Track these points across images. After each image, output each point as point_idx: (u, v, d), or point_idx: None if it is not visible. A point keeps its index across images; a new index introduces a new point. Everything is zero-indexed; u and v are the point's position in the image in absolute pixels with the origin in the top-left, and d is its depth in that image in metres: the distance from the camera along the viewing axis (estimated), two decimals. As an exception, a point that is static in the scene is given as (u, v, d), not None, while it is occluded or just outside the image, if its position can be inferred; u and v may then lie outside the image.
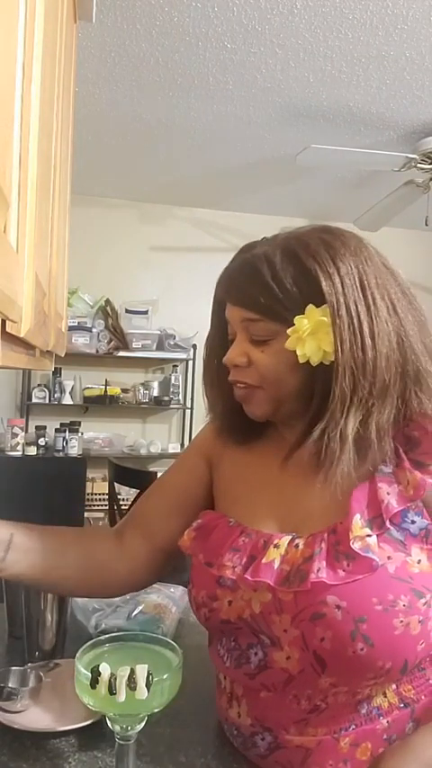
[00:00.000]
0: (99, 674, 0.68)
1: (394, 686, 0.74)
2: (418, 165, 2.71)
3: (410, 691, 0.75)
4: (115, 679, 0.67)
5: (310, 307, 0.72)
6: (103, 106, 2.69)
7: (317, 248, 0.73)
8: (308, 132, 2.84)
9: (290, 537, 0.75)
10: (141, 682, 0.67)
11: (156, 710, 0.70)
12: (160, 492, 0.96)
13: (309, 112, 2.68)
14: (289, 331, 0.72)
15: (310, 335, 0.71)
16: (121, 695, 0.67)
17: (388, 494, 0.72)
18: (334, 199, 3.81)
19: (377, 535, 0.71)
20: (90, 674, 0.68)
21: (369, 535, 0.70)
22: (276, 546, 0.74)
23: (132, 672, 0.67)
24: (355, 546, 0.69)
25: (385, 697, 0.74)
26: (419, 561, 0.71)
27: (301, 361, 0.72)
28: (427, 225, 2.94)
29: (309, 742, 0.73)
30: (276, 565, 0.73)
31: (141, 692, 0.67)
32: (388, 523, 0.71)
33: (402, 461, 0.74)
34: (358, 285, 0.72)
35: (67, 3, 1.08)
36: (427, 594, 0.70)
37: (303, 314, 0.72)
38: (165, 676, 0.69)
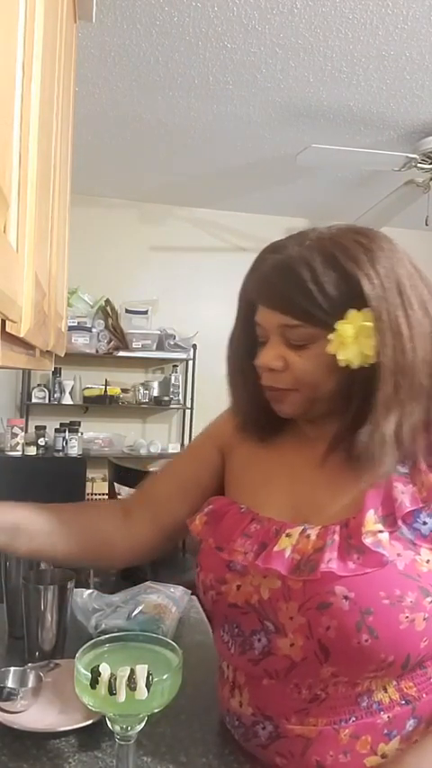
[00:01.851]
0: (99, 674, 0.68)
1: (395, 682, 0.74)
2: (418, 165, 2.71)
3: (412, 688, 0.75)
4: (115, 679, 0.67)
5: (352, 311, 0.72)
6: (103, 106, 2.69)
7: (356, 252, 0.73)
8: (308, 132, 2.84)
9: (302, 527, 0.76)
10: (141, 682, 0.67)
11: (156, 710, 0.70)
12: (171, 476, 0.98)
13: (309, 112, 2.68)
14: (331, 336, 0.72)
15: (352, 340, 0.71)
16: (121, 695, 0.67)
17: (402, 493, 0.73)
18: (334, 199, 3.81)
19: (389, 533, 0.72)
20: (90, 674, 0.68)
21: (381, 531, 0.72)
22: (288, 535, 0.76)
23: (132, 672, 0.67)
24: (367, 540, 0.71)
25: (386, 692, 0.74)
26: (428, 561, 0.72)
27: (342, 365, 0.72)
28: (427, 225, 2.94)
29: (309, 732, 0.74)
30: (287, 554, 0.74)
31: (141, 692, 0.67)
32: (400, 522, 0.72)
33: (419, 463, 0.75)
34: (396, 288, 0.73)
35: (67, 3, 1.08)
36: None
37: (344, 318, 0.72)
38: (165, 676, 0.69)
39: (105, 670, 0.68)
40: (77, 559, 0.94)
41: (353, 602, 0.70)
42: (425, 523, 0.74)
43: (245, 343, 0.84)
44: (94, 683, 0.68)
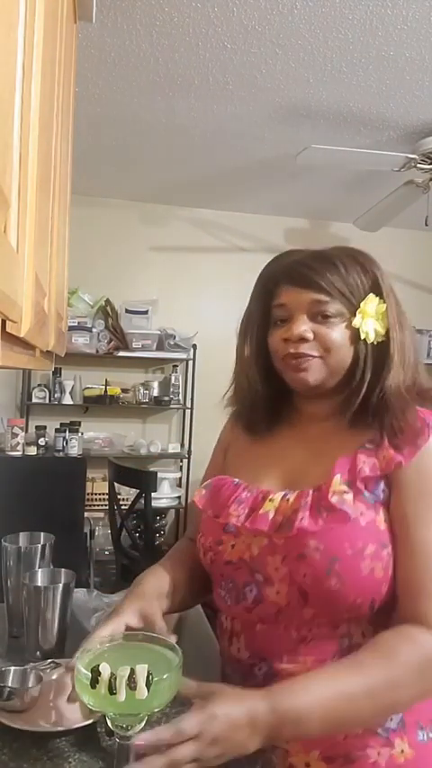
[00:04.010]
0: (99, 673, 0.68)
1: (372, 628, 0.85)
2: (418, 165, 2.70)
3: None
4: (115, 679, 0.67)
5: (372, 295, 0.92)
6: (103, 106, 2.69)
7: (370, 257, 0.96)
8: (308, 132, 2.84)
9: (283, 493, 0.91)
10: (141, 681, 0.67)
11: (156, 710, 0.70)
12: None
13: (309, 112, 2.68)
14: (358, 312, 0.91)
15: (371, 317, 0.91)
16: (121, 695, 0.67)
17: (363, 463, 0.88)
18: (334, 199, 3.81)
19: (354, 494, 0.86)
20: (90, 674, 0.68)
21: (346, 492, 0.86)
22: (271, 500, 0.91)
23: (132, 672, 0.67)
24: (333, 499, 0.85)
25: (364, 637, 0.85)
26: (384, 521, 0.86)
27: (363, 336, 0.91)
28: (427, 225, 2.93)
29: (299, 670, 0.84)
30: (271, 516, 0.89)
31: (141, 691, 0.67)
32: (360, 485, 0.87)
33: (384, 442, 0.89)
34: (392, 286, 0.96)
35: (67, 3, 1.08)
36: (389, 546, 0.85)
37: (365, 300, 0.91)
38: (165, 676, 0.69)
39: (105, 670, 0.68)
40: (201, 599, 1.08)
41: (322, 552, 0.83)
42: (383, 491, 0.88)
43: (262, 326, 0.98)
44: (94, 682, 0.68)
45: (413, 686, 0.80)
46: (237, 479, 0.98)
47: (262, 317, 0.98)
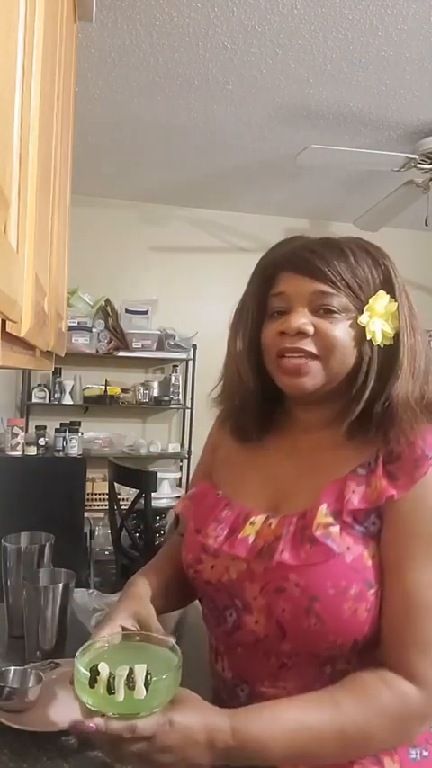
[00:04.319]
0: (98, 673, 0.68)
1: (358, 658, 0.79)
2: (418, 165, 2.71)
3: (374, 663, 0.79)
4: (114, 678, 0.67)
5: (382, 292, 0.83)
6: (103, 106, 2.69)
7: (383, 251, 0.87)
8: (308, 132, 2.84)
9: (265, 516, 0.85)
10: (140, 681, 0.67)
11: (155, 710, 0.70)
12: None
13: (309, 112, 2.68)
14: (366, 308, 0.82)
15: (380, 317, 0.82)
16: (120, 694, 0.67)
17: (353, 492, 0.80)
18: (334, 199, 3.81)
19: (341, 527, 0.79)
20: (89, 674, 0.68)
21: (332, 524, 0.79)
22: (252, 523, 0.85)
23: (131, 671, 0.67)
24: (317, 533, 0.78)
25: (349, 664, 0.80)
26: (373, 556, 0.79)
27: (369, 337, 0.81)
28: (427, 225, 2.94)
29: (281, 694, 0.80)
30: (251, 540, 0.83)
31: (140, 691, 0.67)
32: (347, 517, 0.79)
33: (378, 469, 0.81)
34: (405, 285, 0.86)
35: (67, 3, 1.08)
36: (376, 585, 0.78)
37: (374, 296, 0.82)
38: (164, 676, 0.69)
39: (104, 669, 0.68)
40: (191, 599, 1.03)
41: (302, 589, 0.77)
42: (374, 524, 0.80)
43: (257, 317, 0.89)
44: (92, 682, 0.68)
45: (386, 735, 0.76)
46: (220, 492, 0.92)
47: (258, 308, 0.89)
